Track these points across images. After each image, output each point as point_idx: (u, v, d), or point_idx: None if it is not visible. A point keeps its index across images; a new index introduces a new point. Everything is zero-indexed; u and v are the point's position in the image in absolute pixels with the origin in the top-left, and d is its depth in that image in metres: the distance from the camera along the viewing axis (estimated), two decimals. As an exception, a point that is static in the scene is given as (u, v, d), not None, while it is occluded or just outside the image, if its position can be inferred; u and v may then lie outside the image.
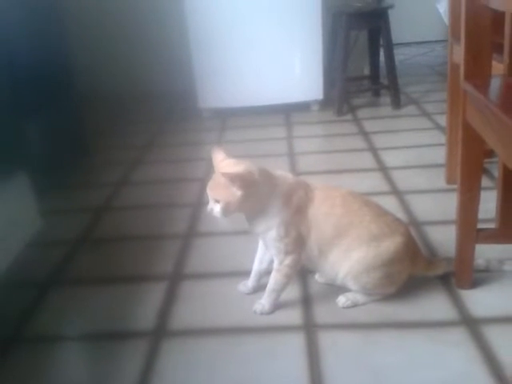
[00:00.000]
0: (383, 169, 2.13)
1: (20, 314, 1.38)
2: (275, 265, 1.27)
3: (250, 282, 1.38)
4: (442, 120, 2.53)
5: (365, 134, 2.57)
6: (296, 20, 2.87)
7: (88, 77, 3.03)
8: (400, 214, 1.71)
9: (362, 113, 2.95)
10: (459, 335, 1.18)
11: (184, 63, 3.16)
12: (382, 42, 2.95)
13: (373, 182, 2.02)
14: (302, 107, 3.05)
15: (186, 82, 3.21)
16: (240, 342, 1.22)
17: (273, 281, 1.28)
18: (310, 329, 1.24)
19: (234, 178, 1.13)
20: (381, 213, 1.28)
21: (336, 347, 1.18)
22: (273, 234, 1.22)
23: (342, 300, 1.30)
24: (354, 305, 1.29)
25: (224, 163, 1.22)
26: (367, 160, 2.24)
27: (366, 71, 3.55)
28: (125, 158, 2.53)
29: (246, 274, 1.39)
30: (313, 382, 1.08)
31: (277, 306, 1.30)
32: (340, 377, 1.09)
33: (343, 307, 1.29)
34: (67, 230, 1.81)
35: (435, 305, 1.28)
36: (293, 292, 1.37)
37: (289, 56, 2.97)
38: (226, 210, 1.16)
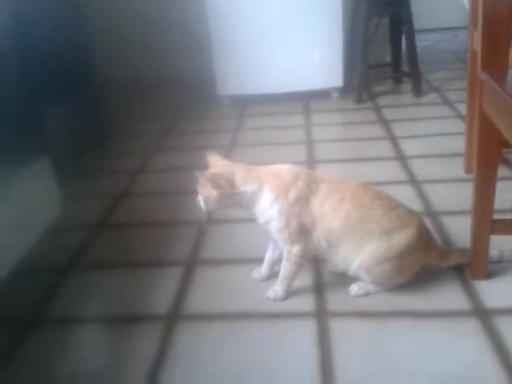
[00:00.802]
0: (401, 158, 2.11)
1: (41, 297, 1.42)
2: (284, 254, 1.29)
3: (263, 269, 1.40)
4: (464, 108, 2.48)
5: (384, 122, 2.55)
6: (316, 6, 2.84)
7: (107, 63, 3.05)
8: (417, 204, 1.71)
9: (382, 101, 2.92)
10: (472, 326, 1.18)
11: (204, 50, 3.16)
12: (403, 29, 2.90)
13: (390, 170, 2.01)
14: (322, 95, 3.03)
15: (206, 68, 3.21)
16: (252, 328, 1.24)
17: (283, 269, 1.30)
18: (321, 316, 1.25)
19: (208, 179, 1.23)
20: (393, 205, 1.27)
21: (347, 335, 1.19)
22: (273, 225, 1.25)
23: (354, 289, 1.30)
24: (366, 294, 1.30)
25: (217, 164, 1.30)
26: (386, 149, 2.22)
27: (388, 58, 3.50)
28: (143, 144, 2.56)
29: (260, 260, 1.41)
30: (323, 369, 1.10)
31: (289, 293, 1.32)
32: (351, 364, 1.11)
33: (355, 296, 1.30)
34: (86, 216, 1.85)
35: (448, 295, 1.28)
36: (305, 279, 1.38)
37: (308, 43, 2.94)
38: (207, 205, 1.27)
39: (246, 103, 3.07)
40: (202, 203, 1.28)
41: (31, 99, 1.80)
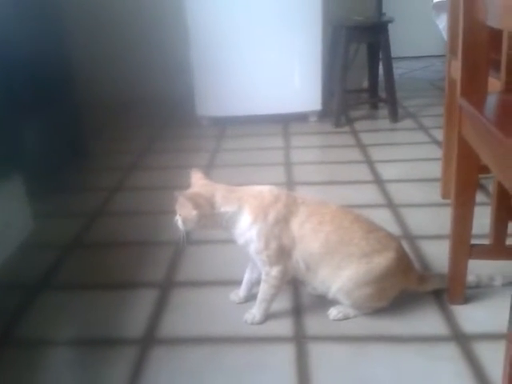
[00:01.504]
0: (379, 181, 2.13)
1: (8, 316, 1.37)
2: (262, 276, 1.27)
3: (241, 292, 1.38)
4: (439, 134, 2.53)
5: (362, 147, 2.58)
6: (296, 31, 2.88)
7: (87, 81, 3.02)
8: (394, 228, 1.71)
9: (359, 125, 2.96)
10: (450, 351, 1.17)
11: (184, 70, 3.17)
12: (381, 56, 2.96)
13: (368, 194, 2.02)
14: (300, 118, 3.06)
15: (185, 89, 3.21)
16: (229, 352, 1.21)
17: (261, 292, 1.28)
18: (300, 340, 1.23)
19: (188, 198, 1.21)
20: (372, 229, 1.27)
21: (326, 359, 1.17)
22: (252, 247, 1.24)
23: (333, 312, 1.29)
24: (346, 318, 1.28)
25: (198, 183, 1.29)
26: (363, 172, 2.24)
27: (365, 84, 3.56)
28: (121, 163, 2.53)
29: (238, 282, 1.39)
30: (301, 394, 1.08)
31: (268, 316, 1.30)
32: (329, 390, 1.09)
33: (334, 320, 1.28)
34: (59, 234, 1.80)
35: (427, 320, 1.28)
36: (284, 302, 1.36)
37: (288, 67, 2.98)
38: (186, 225, 1.24)
39: (225, 124, 3.07)
40: (179, 223, 1.25)
41: (10, 115, 1.77)
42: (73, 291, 1.49)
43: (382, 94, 3.17)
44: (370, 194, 2.02)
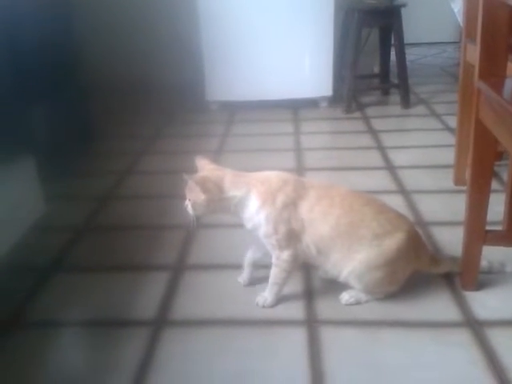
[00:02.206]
0: (390, 167, 2.11)
1: (22, 297, 1.38)
2: (273, 260, 1.27)
3: (245, 274, 1.38)
4: (451, 121, 2.51)
5: (373, 133, 2.55)
6: (308, 15, 2.84)
7: (97, 66, 3.02)
8: (406, 214, 1.68)
9: (370, 111, 2.93)
10: (463, 337, 1.17)
11: (194, 55, 3.14)
12: (393, 41, 2.92)
13: (380, 180, 2.01)
14: (311, 103, 3.03)
15: (195, 74, 3.19)
16: (240, 335, 1.21)
17: (273, 275, 1.28)
18: (312, 324, 1.23)
19: (197, 183, 1.21)
20: (383, 210, 1.26)
21: (338, 344, 1.17)
22: (261, 231, 1.24)
23: (345, 297, 1.29)
24: (357, 302, 1.28)
25: (206, 168, 1.28)
26: (375, 158, 2.22)
27: (376, 69, 3.53)
28: (131, 147, 2.52)
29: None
30: (313, 377, 1.08)
31: (280, 300, 1.29)
32: (341, 373, 1.08)
33: (346, 304, 1.28)
34: (71, 217, 1.81)
35: (439, 305, 1.27)
36: (295, 286, 1.36)
37: (299, 51, 2.95)
38: (195, 209, 1.24)
39: (234, 109, 3.05)
40: (189, 208, 1.25)
41: (21, 99, 1.76)
42: (85, 273, 1.50)
43: (394, 80, 3.14)
44: (382, 180, 2.01)
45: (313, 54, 2.94)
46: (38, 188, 1.57)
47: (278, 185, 1.23)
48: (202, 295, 1.36)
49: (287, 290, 1.30)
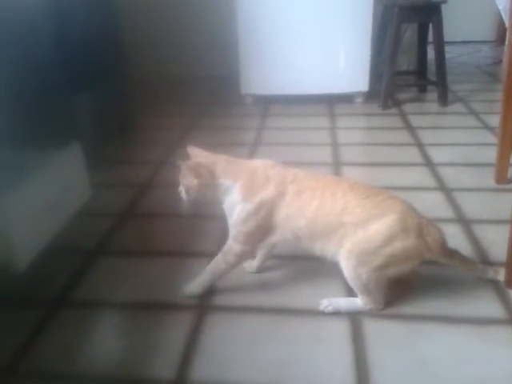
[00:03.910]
0: (430, 164, 2.09)
1: (68, 279, 1.41)
2: (224, 247, 1.28)
3: (255, 261, 1.40)
4: (490, 120, 2.49)
5: (411, 129, 2.53)
6: (346, 10, 2.83)
7: (136, 57, 3.05)
8: (448, 211, 1.69)
9: (407, 108, 2.91)
10: (508, 334, 1.16)
11: (230, 48, 3.16)
12: (432, 38, 2.88)
13: (418, 176, 1.99)
14: (346, 98, 3.02)
15: (231, 67, 3.21)
16: (284, 323, 1.22)
17: (213, 261, 1.29)
18: (354, 316, 1.23)
19: (190, 168, 1.23)
20: (369, 194, 1.19)
21: (381, 337, 1.17)
22: (232, 219, 1.26)
23: (324, 303, 1.25)
24: (336, 311, 1.23)
25: (199, 155, 1.29)
26: (413, 155, 2.21)
27: (411, 66, 3.49)
28: (167, 138, 2.55)
29: (291, 255, 1.39)
30: (358, 368, 1.08)
31: (322, 292, 1.29)
32: (386, 365, 1.09)
33: (324, 311, 1.24)
34: (112, 203, 1.84)
35: (483, 302, 1.26)
36: (337, 279, 1.36)
37: (336, 46, 2.94)
38: (188, 194, 1.26)
39: (268, 103, 3.06)
40: (183, 193, 1.27)
41: (67, 87, 1.80)
42: (128, 258, 1.53)
43: (430, 77, 3.11)
44: (421, 176, 1.99)
45: (350, 49, 2.93)
46: (83, 174, 1.60)
47: (260, 180, 1.23)
48: (245, 282, 1.37)
49: (330, 282, 1.30)
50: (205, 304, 1.29)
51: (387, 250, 1.16)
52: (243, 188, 1.23)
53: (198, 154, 1.30)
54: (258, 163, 1.29)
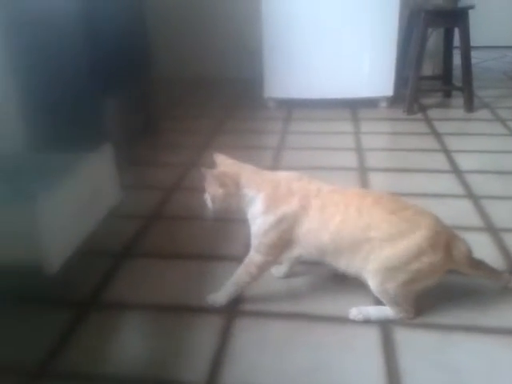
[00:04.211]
0: (457, 171, 2.07)
1: (97, 280, 1.43)
2: (245, 259, 1.28)
3: (283, 267, 1.40)
4: (519, 126, 2.45)
5: (437, 135, 2.51)
6: (372, 14, 2.82)
7: (160, 57, 3.07)
8: (476, 219, 1.67)
9: (432, 113, 2.88)
10: (542, 347, 1.14)
11: (255, 51, 3.17)
12: (459, 43, 2.85)
13: (446, 183, 1.97)
14: (370, 103, 3.00)
15: (255, 70, 3.22)
16: (311, 330, 1.22)
17: (236, 275, 1.29)
18: (385, 325, 1.22)
19: (215, 177, 1.23)
20: (397, 208, 1.18)
21: (412, 346, 1.16)
22: (253, 229, 1.25)
23: (353, 312, 1.25)
24: (366, 320, 1.23)
25: (224, 163, 1.28)
26: (440, 161, 2.19)
27: (436, 71, 3.47)
28: (192, 140, 2.57)
29: (315, 262, 1.38)
30: (389, 376, 1.07)
31: (352, 300, 1.29)
32: (417, 374, 1.08)
33: (354, 320, 1.24)
34: (139, 205, 1.86)
35: (514, 313, 1.25)
36: (365, 287, 1.35)
37: (360, 50, 2.92)
38: (213, 203, 1.26)
39: (291, 107, 3.06)
40: (208, 201, 1.27)
41: (94, 89, 1.83)
42: (155, 260, 1.54)
43: (455, 83, 3.08)
44: (448, 183, 1.97)
45: (375, 54, 2.91)
46: (113, 176, 1.61)
47: (284, 193, 1.22)
48: (270, 288, 1.37)
49: (360, 292, 1.29)
50: (233, 309, 1.29)
51: (414, 266, 1.15)
52: (266, 199, 1.23)
53: (223, 162, 1.29)
54: (282, 175, 1.28)
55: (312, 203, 1.21)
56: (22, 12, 1.71)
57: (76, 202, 1.36)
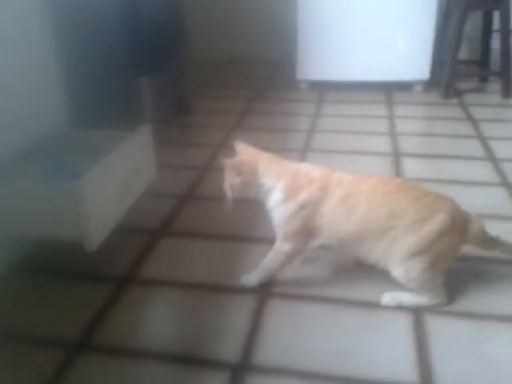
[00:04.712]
0: (493, 159, 2.04)
1: (134, 257, 1.47)
2: (273, 246, 1.30)
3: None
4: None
5: (472, 121, 2.46)
6: (411, -4, 2.76)
7: (196, 39, 3.07)
8: (510, 208, 1.65)
9: (468, 98, 2.82)
10: None
11: (289, 32, 3.14)
12: (499, 27, 2.77)
13: (481, 171, 1.95)
14: (404, 86, 2.96)
15: (288, 50, 3.19)
16: (346, 314, 1.24)
17: (266, 260, 1.31)
18: (417, 311, 1.23)
19: (233, 166, 1.25)
20: (419, 195, 1.20)
21: (444, 333, 1.17)
22: (276, 220, 1.27)
23: (386, 298, 1.26)
24: (399, 305, 1.24)
25: (244, 152, 1.29)
26: (475, 148, 2.15)
27: (471, 55, 3.38)
28: (224, 121, 2.57)
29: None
30: (421, 362, 1.09)
31: (385, 286, 1.29)
32: (449, 362, 1.09)
33: (385, 305, 1.25)
34: (173, 185, 1.89)
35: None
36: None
37: (396, 33, 2.86)
38: (231, 191, 1.28)
39: (323, 89, 3.03)
40: (227, 190, 1.29)
41: (133, 69, 1.85)
42: (189, 239, 1.57)
43: (493, 67, 3.00)
44: (483, 171, 1.95)
45: (411, 36, 2.85)
46: (151, 156, 1.64)
47: (304, 182, 1.23)
48: (302, 272, 1.39)
49: (388, 274, 1.30)
50: (265, 290, 1.32)
51: (436, 248, 1.18)
52: (285, 188, 1.23)
53: (243, 151, 1.30)
54: (300, 166, 1.29)
55: (334, 192, 1.22)
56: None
57: (117, 179, 1.39)
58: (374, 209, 1.20)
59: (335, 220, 1.22)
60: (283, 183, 1.24)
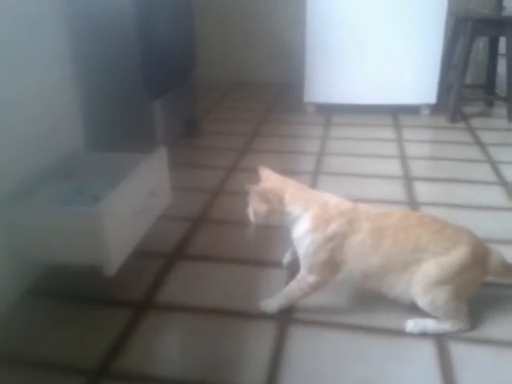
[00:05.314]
0: (504, 183, 2.04)
1: (151, 281, 1.46)
2: (298, 275, 1.28)
3: (285, 258, 1.50)
4: None
5: (480, 145, 2.48)
6: (418, 21, 2.80)
7: (202, 61, 3.10)
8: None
9: (475, 122, 2.84)
10: None
11: (296, 55, 3.17)
12: (505, 52, 2.81)
13: (492, 195, 1.95)
14: (411, 110, 2.98)
15: (295, 73, 3.22)
16: (369, 342, 1.22)
17: (289, 287, 1.29)
18: (440, 338, 1.22)
19: (259, 193, 1.24)
20: (439, 228, 1.21)
21: (469, 360, 1.15)
22: (302, 250, 1.25)
23: (410, 324, 1.25)
24: (423, 332, 1.23)
25: (269, 179, 1.29)
26: (485, 172, 2.16)
27: (477, 79, 3.42)
28: (233, 143, 2.58)
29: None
30: (447, 392, 1.07)
31: (407, 313, 1.28)
32: (476, 391, 1.07)
33: (410, 332, 1.24)
34: (186, 207, 1.88)
35: None
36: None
37: (403, 57, 2.90)
38: (255, 218, 1.27)
39: (330, 112, 3.05)
40: (251, 216, 1.27)
41: (146, 91, 1.86)
42: (204, 263, 1.56)
43: (498, 92, 3.03)
44: (494, 195, 1.95)
45: (419, 60, 2.88)
46: (166, 178, 1.64)
47: (333, 213, 1.22)
48: (323, 298, 1.37)
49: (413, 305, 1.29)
50: (286, 316, 1.30)
51: (458, 280, 1.19)
52: (315, 218, 1.22)
53: (268, 177, 1.30)
54: (329, 197, 1.28)
55: (362, 226, 1.22)
56: (82, 17, 1.75)
57: (135, 203, 1.38)
58: (399, 243, 1.20)
59: (362, 253, 1.22)
60: (312, 213, 1.23)
